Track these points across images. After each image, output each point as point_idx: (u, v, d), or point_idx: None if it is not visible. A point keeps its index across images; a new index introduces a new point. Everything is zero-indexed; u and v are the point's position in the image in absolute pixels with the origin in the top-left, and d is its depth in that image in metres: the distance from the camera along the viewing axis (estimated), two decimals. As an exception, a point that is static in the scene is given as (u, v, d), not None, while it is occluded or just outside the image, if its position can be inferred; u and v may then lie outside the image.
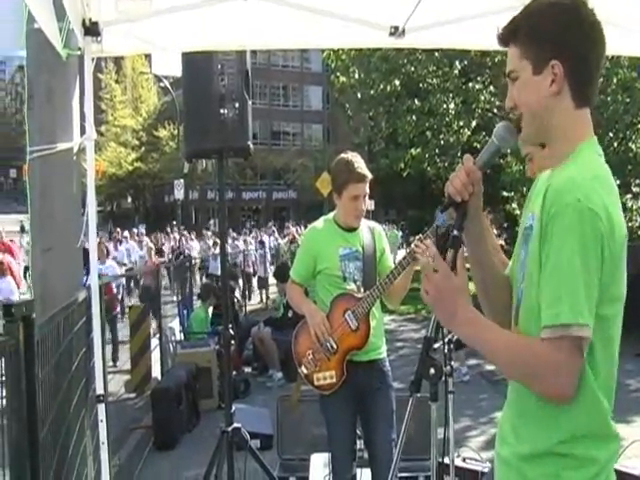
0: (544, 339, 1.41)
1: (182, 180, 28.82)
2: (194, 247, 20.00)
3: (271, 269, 18.38)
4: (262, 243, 19.83)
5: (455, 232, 1.59)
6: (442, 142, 14.70)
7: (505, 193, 13.85)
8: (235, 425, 3.77)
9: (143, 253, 16.50)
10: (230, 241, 21.20)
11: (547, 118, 1.54)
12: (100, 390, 3.16)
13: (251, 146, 3.83)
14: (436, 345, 1.92)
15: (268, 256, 18.73)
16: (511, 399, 1.60)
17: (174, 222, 29.00)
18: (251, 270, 17.67)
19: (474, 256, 1.70)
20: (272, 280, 17.27)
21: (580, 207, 1.38)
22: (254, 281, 17.68)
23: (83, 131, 3.36)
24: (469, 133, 14.75)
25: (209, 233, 23.72)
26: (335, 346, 3.42)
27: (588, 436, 1.45)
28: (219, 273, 14.82)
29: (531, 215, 1.58)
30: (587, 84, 1.56)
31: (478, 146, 14.32)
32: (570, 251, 1.39)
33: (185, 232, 25.14)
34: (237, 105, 3.70)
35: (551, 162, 1.59)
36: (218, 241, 17.60)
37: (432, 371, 1.64)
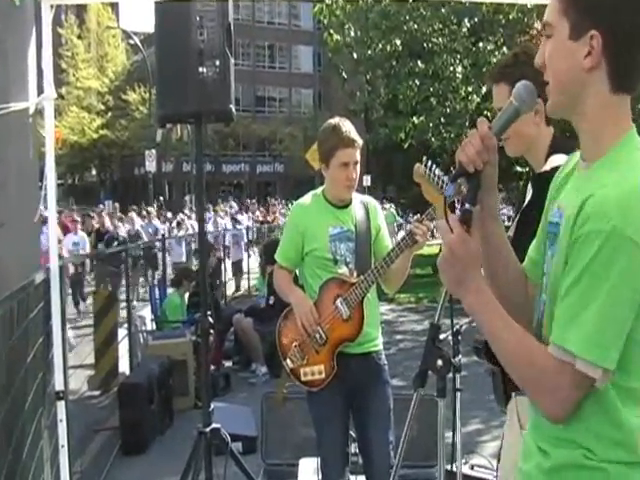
0: (551, 353, 1.43)
1: (154, 150, 28.72)
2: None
3: (254, 252, 18.34)
4: (236, 221, 19.47)
5: (467, 205, 1.57)
6: (448, 110, 14.66)
7: (519, 168, 13.85)
8: (214, 426, 3.77)
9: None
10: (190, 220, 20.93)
11: (577, 94, 1.50)
12: (60, 386, 3.14)
13: (234, 110, 3.79)
14: (442, 336, 1.90)
15: (244, 237, 18.24)
16: (534, 408, 1.59)
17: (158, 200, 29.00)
18: (221, 254, 16.66)
19: (485, 235, 1.68)
20: (251, 265, 17.29)
21: (615, 237, 1.36)
22: (226, 266, 16.53)
23: (41, 91, 3.30)
24: (479, 100, 14.69)
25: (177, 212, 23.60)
26: (324, 337, 3.42)
27: (620, 461, 1.44)
28: (185, 259, 14.83)
29: (557, 211, 1.58)
30: (631, 67, 1.48)
31: (489, 115, 14.28)
32: (594, 280, 1.38)
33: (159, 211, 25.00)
34: (218, 63, 3.66)
35: (581, 150, 1.57)
36: (182, 220, 17.26)
37: (440, 363, 1.61)
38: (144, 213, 19.36)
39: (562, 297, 1.43)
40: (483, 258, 1.62)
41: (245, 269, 17.16)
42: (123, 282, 8.80)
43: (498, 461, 2.70)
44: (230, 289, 16.04)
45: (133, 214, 18.30)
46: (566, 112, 1.56)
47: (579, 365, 1.38)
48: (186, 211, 25.55)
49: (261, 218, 22.90)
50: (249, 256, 17.93)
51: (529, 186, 2.57)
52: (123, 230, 16.49)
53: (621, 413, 1.43)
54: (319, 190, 3.64)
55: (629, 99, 1.52)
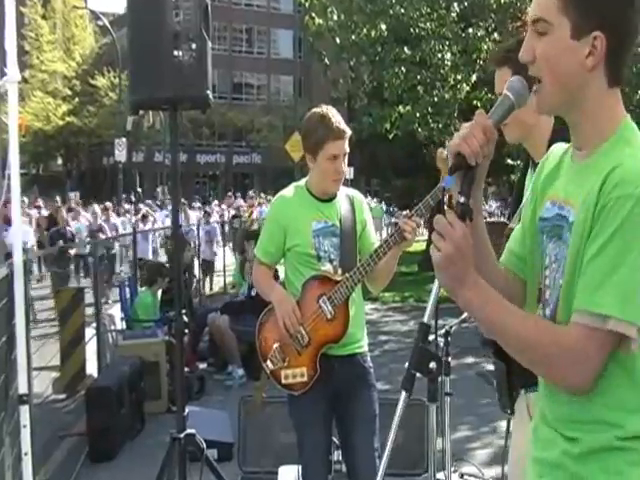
0: (575, 323, 1.48)
1: (124, 139, 28.54)
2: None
3: (227, 248, 18.20)
4: (208, 214, 19.02)
5: (462, 199, 1.60)
6: (436, 99, 14.69)
7: (510, 161, 13.95)
8: (188, 431, 3.76)
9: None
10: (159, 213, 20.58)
11: (577, 92, 1.58)
12: (23, 389, 3.11)
13: (211, 96, 3.77)
14: (430, 337, 1.90)
15: (217, 233, 17.62)
16: (550, 395, 1.64)
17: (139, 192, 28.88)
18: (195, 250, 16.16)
19: (472, 229, 1.70)
20: (221, 264, 17.14)
21: None
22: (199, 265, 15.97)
23: (3, 73, 3.26)
24: (468, 89, 14.76)
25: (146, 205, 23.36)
26: (307, 338, 3.41)
27: None
28: (151, 257, 14.64)
29: (552, 206, 1.65)
30: (624, 63, 1.60)
31: (479, 104, 14.34)
32: (629, 239, 1.45)
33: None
34: (194, 46, 3.65)
35: (578, 142, 1.64)
36: (147, 213, 16.98)
37: (432, 365, 1.61)
38: (108, 207, 18.71)
39: (589, 262, 1.48)
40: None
41: (219, 267, 17.01)
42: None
43: (503, 465, 2.73)
44: (205, 287, 15.97)
45: (96, 207, 17.77)
46: (562, 109, 1.64)
47: (613, 325, 1.44)
48: (149, 202, 25.37)
49: (233, 212, 22.58)
50: (224, 253, 17.79)
51: (531, 172, 2.61)
52: (83, 222, 16.30)
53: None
54: (302, 182, 3.63)
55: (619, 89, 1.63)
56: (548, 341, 1.50)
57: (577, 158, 1.65)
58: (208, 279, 16.24)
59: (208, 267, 15.95)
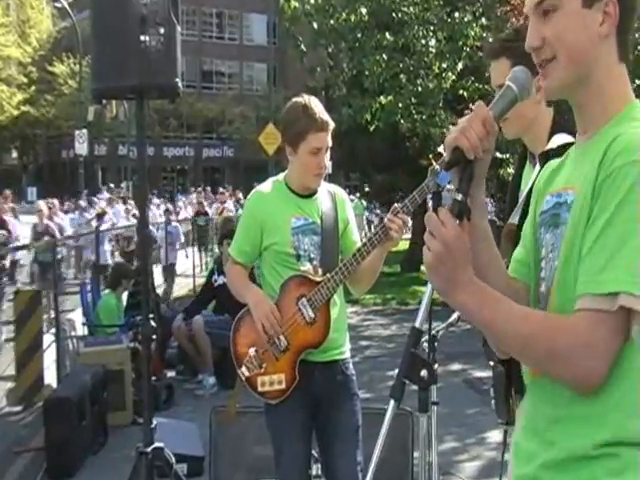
0: (580, 310, 1.47)
1: (85, 130, 28.36)
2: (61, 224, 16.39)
3: (188, 252, 17.98)
4: (169, 212, 18.64)
5: (459, 197, 1.60)
6: (420, 88, 14.72)
7: (499, 155, 13.99)
8: (156, 445, 3.75)
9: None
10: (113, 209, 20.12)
11: (588, 67, 1.60)
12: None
13: (180, 85, 3.77)
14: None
15: (180, 233, 16.95)
16: (534, 402, 1.64)
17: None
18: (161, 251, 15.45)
19: (472, 232, 1.70)
20: (183, 267, 17.00)
21: None
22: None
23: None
24: (454, 77, 14.79)
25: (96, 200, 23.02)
26: (285, 342, 3.41)
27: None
28: (109, 261, 14.35)
29: (552, 197, 1.67)
30: (630, 32, 1.64)
31: (465, 94, 14.40)
32: (634, 211, 1.43)
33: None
34: (162, 31, 3.65)
35: (583, 125, 1.66)
36: (103, 212, 16.44)
37: (424, 373, 1.61)
38: (52, 205, 17.95)
39: (594, 242, 1.47)
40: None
41: (181, 270, 16.86)
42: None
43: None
44: (180, 287, 15.86)
45: (41, 203, 16.81)
46: (573, 89, 1.64)
47: (623, 300, 1.42)
48: (102, 196, 25.01)
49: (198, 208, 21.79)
50: (193, 253, 17.67)
51: (530, 169, 2.63)
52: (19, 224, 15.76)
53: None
54: (281, 176, 3.63)
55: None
56: (552, 333, 1.49)
57: (580, 143, 1.68)
58: (166, 286, 15.31)
59: (169, 271, 15.34)
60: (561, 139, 2.35)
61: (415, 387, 1.69)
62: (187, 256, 18.01)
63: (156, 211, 21.70)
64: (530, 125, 2.61)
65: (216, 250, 13.17)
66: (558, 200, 1.65)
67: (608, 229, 1.46)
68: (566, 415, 1.55)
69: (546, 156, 1.86)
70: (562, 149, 1.75)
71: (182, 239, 17.42)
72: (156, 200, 27.50)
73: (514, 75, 1.70)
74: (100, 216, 17.53)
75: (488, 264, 1.74)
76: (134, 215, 18.30)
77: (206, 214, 19.86)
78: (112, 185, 34.31)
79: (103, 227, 15.83)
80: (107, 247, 14.93)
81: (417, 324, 1.64)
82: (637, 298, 1.42)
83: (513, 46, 2.48)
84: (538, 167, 2.51)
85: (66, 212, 19.78)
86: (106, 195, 25.92)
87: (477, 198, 1.69)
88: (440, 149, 3.02)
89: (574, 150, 1.71)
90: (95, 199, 22.38)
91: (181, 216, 21.00)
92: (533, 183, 2.48)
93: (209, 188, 34.71)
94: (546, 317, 1.56)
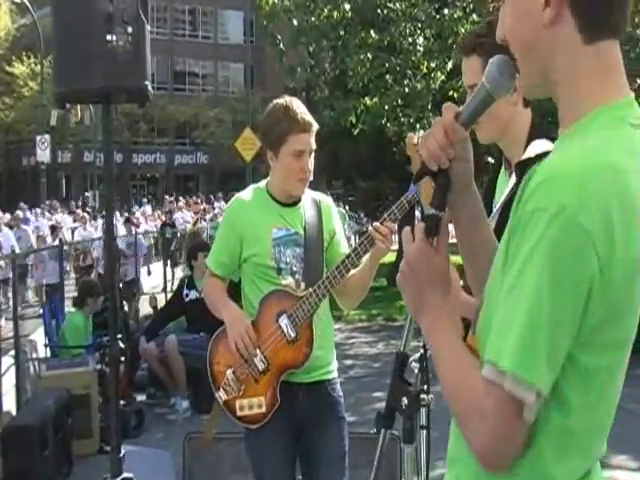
0: (482, 376, 1.36)
1: (47, 135, 28.29)
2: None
3: (152, 267, 17.75)
4: (131, 223, 17.66)
5: (432, 210, 1.57)
6: (407, 89, 14.80)
7: (491, 159, 14.07)
8: (125, 475, 3.74)
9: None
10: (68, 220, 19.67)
11: (543, 58, 1.45)
12: None
13: (150, 87, 3.77)
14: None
15: (144, 246, 16.77)
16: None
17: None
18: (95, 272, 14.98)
19: (465, 243, 1.70)
20: (151, 283, 16.87)
21: (564, 219, 1.28)
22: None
23: None
24: (443, 78, 14.89)
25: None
26: (265, 363, 3.41)
27: None
28: (58, 279, 13.96)
29: None
30: (601, 7, 1.42)
31: (455, 95, 14.48)
32: (537, 274, 1.30)
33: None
34: (130, 29, 3.67)
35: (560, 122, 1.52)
36: (59, 225, 15.95)
37: (405, 401, 1.60)
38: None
39: (503, 298, 1.35)
40: (468, 264, 1.65)
41: (147, 288, 16.77)
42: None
43: None
44: (144, 308, 15.70)
45: None
46: (540, 86, 1.52)
47: (507, 384, 1.31)
48: (52, 209, 24.59)
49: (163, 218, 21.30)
50: (164, 268, 17.53)
51: (505, 176, 2.61)
52: None
53: (549, 468, 1.39)
54: (262, 183, 3.63)
55: (613, 46, 1.44)
56: (461, 389, 1.42)
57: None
58: (128, 305, 15.28)
59: (130, 288, 14.81)
60: (540, 146, 2.31)
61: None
62: (150, 272, 17.86)
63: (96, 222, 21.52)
64: (506, 128, 2.54)
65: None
66: None
67: (511, 292, 1.33)
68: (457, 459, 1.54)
69: (523, 166, 1.78)
70: (540, 159, 1.52)
71: (145, 250, 17.38)
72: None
73: (487, 69, 1.58)
74: (54, 229, 17.24)
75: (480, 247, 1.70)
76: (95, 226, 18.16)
77: (173, 225, 19.59)
78: (87, 195, 34.18)
79: (57, 241, 15.45)
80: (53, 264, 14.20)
81: (402, 348, 1.64)
82: (519, 382, 1.30)
83: (484, 42, 2.42)
84: (514, 177, 2.49)
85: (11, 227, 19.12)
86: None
87: (460, 208, 1.65)
88: (410, 135, 3.00)
89: None
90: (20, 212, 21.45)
91: (141, 228, 20.45)
92: (514, 193, 2.45)
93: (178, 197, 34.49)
94: (470, 372, 1.42)
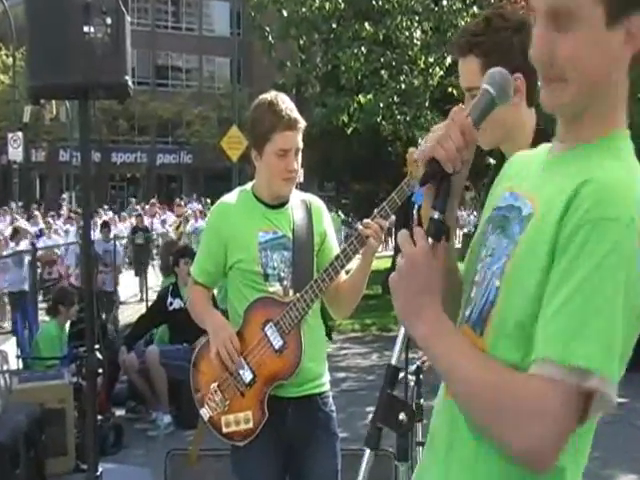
0: (537, 375, 1.45)
1: (20, 133, 28.19)
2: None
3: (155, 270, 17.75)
4: (107, 228, 17.00)
5: (436, 215, 1.62)
6: (403, 85, 14.81)
7: (493, 161, 14.09)
8: (103, 494, 3.71)
9: None
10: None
11: (602, 91, 1.57)
12: None
13: (130, 83, 3.77)
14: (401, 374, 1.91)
15: (120, 253, 16.61)
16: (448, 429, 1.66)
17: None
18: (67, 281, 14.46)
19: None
20: (128, 292, 16.79)
21: (634, 230, 1.44)
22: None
23: None
24: (442, 73, 14.91)
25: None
26: (251, 375, 3.41)
27: None
28: (27, 287, 13.60)
29: (510, 195, 1.68)
30: None
31: (455, 92, 14.50)
32: (612, 278, 1.43)
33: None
34: (109, 21, 3.66)
35: (564, 132, 1.64)
36: (19, 229, 15.61)
37: (402, 417, 1.61)
38: None
39: (565, 300, 1.45)
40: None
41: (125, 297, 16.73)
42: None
43: None
44: (125, 316, 15.64)
45: None
46: (574, 110, 1.60)
47: (597, 383, 1.41)
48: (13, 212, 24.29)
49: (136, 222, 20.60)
50: (146, 275, 17.47)
51: None
52: None
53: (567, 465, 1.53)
54: (248, 185, 3.64)
55: None
56: (505, 389, 1.48)
57: (555, 149, 1.68)
58: (115, 311, 14.90)
59: (109, 296, 14.67)
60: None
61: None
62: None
63: (71, 227, 21.36)
64: (509, 132, 2.55)
65: (160, 275, 13.02)
66: (513, 203, 1.66)
67: (583, 291, 1.43)
68: (470, 465, 1.59)
69: None
70: None
71: (126, 258, 17.47)
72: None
73: (492, 77, 1.70)
74: (16, 232, 16.46)
75: (455, 279, 1.78)
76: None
77: (146, 230, 19.28)
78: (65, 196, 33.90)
79: (22, 246, 15.14)
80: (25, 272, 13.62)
81: (393, 361, 1.64)
82: (606, 381, 1.42)
83: (482, 41, 2.43)
84: None
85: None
86: None
87: (449, 217, 1.70)
88: (411, 150, 3.01)
89: (546, 155, 1.70)
90: None
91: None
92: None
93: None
94: (503, 369, 1.53)
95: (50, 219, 21.68)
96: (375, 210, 3.36)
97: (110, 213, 26.67)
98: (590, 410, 1.45)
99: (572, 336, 1.42)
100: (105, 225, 17.14)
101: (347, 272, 3.59)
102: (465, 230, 28.99)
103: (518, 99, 2.49)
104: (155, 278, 17.21)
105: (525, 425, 1.43)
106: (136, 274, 18.13)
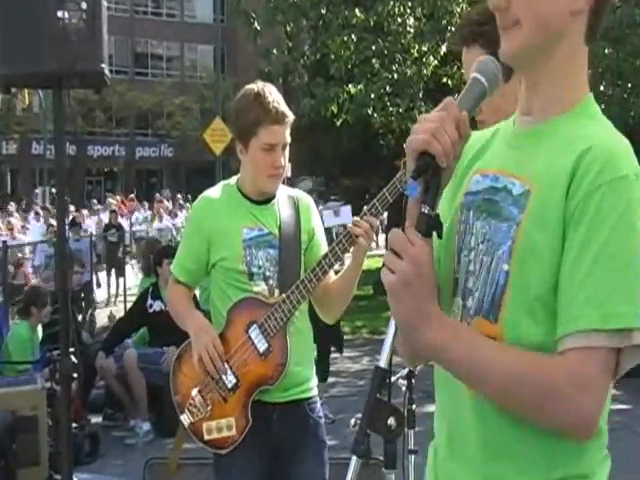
0: (573, 348, 1.53)
1: (-9, 125, 28.07)
2: None
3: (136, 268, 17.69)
4: (77, 225, 17.32)
5: (427, 209, 1.62)
6: (396, 75, 14.82)
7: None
8: (77, 506, 3.70)
9: None
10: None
11: (553, 41, 1.68)
12: None
13: (106, 71, 3.76)
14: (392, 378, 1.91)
15: (88, 252, 15.97)
16: (479, 422, 1.68)
17: None
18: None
19: None
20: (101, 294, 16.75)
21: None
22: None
23: None
24: (436, 63, 14.94)
25: None
26: (234, 380, 3.41)
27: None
28: None
29: (482, 178, 1.75)
30: (603, 18, 1.74)
31: (450, 82, 14.53)
32: (632, 235, 1.53)
33: None
34: (85, 6, 3.65)
35: (530, 105, 1.74)
36: None
37: (391, 421, 1.61)
38: None
39: (588, 269, 1.53)
40: None
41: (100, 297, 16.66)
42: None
43: None
44: (102, 319, 15.60)
45: None
46: (530, 62, 1.71)
47: (638, 339, 1.50)
48: None
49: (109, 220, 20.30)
50: (98, 285, 17.33)
51: None
52: None
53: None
54: (233, 180, 3.64)
55: None
56: (547, 372, 1.54)
57: (523, 124, 1.76)
58: (91, 312, 15.12)
59: (85, 296, 14.81)
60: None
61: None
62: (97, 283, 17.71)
63: (35, 223, 21.28)
64: None
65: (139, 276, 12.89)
66: (494, 185, 1.71)
67: (606, 254, 1.53)
68: (517, 448, 1.63)
69: None
70: None
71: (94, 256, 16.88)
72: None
73: (482, 65, 1.73)
74: None
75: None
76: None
77: (119, 227, 19.05)
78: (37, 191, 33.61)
79: None
80: None
81: (382, 363, 1.64)
82: None
83: (487, 30, 2.41)
84: None
85: None
86: None
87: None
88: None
89: (511, 130, 1.79)
90: None
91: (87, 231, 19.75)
92: None
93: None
94: (528, 354, 1.59)
95: (13, 219, 21.40)
96: (365, 207, 3.37)
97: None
98: (623, 363, 1.54)
99: (605, 301, 1.51)
100: (74, 222, 17.13)
101: (336, 272, 3.60)
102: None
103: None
104: (133, 278, 17.17)
105: (573, 400, 1.51)
106: (108, 274, 17.91)
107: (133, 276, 17.71)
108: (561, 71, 1.70)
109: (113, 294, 17.99)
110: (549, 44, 1.68)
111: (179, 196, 30.24)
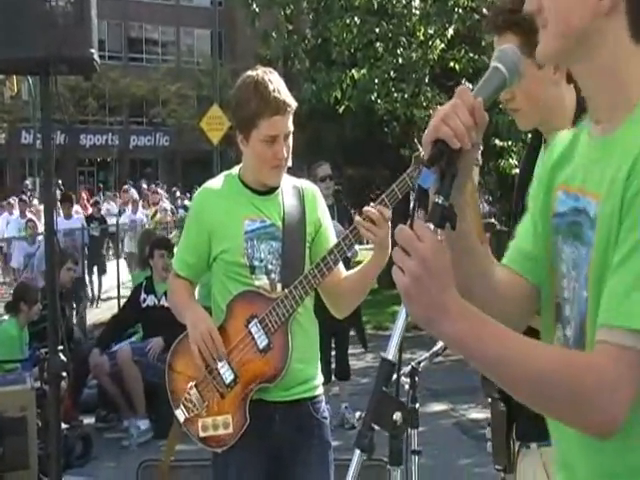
0: (602, 343, 1.54)
1: (-22, 114, 28.08)
2: None
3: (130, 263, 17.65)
4: (69, 203, 16.80)
5: (440, 200, 1.62)
6: (400, 59, 14.80)
7: (499, 142, 14.09)
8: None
9: None
10: None
11: (589, 42, 1.67)
12: None
13: (97, 57, 3.76)
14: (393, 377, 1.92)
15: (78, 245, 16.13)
16: (581, 447, 1.69)
17: None
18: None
19: (455, 240, 1.77)
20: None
21: None
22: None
23: None
24: (443, 46, 14.90)
25: None
26: (232, 375, 3.42)
27: None
28: None
29: (567, 197, 1.74)
30: None
31: (457, 67, 14.50)
32: None
33: None
34: (73, -11, 3.63)
35: (595, 113, 1.73)
36: None
37: (397, 416, 1.61)
38: None
39: (619, 265, 1.54)
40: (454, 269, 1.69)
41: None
42: None
43: None
44: (93, 315, 15.60)
45: None
46: (569, 60, 1.74)
47: None
48: None
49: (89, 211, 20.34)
50: (91, 281, 17.34)
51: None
52: None
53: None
54: (234, 170, 3.64)
55: None
56: (577, 371, 1.55)
57: (595, 133, 1.74)
58: (82, 308, 15.09)
59: (76, 291, 14.38)
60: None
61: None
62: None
63: (9, 216, 21.31)
64: (549, 112, 2.61)
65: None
66: (576, 205, 1.71)
67: (637, 252, 1.53)
68: (618, 465, 1.63)
69: None
70: None
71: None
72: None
73: (502, 54, 1.74)
74: None
75: (472, 278, 1.81)
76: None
77: (102, 220, 18.85)
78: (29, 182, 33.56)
79: None
80: None
81: (390, 355, 1.65)
82: None
83: (522, 19, 2.40)
84: None
85: None
86: None
87: (457, 203, 1.71)
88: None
89: (588, 140, 1.76)
90: None
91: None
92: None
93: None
94: (560, 351, 1.64)
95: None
96: (372, 204, 3.34)
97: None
98: None
99: (636, 300, 1.51)
100: (65, 198, 16.84)
101: (358, 263, 3.60)
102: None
103: (559, 76, 2.55)
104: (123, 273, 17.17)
105: (602, 402, 1.53)
106: (89, 272, 17.73)
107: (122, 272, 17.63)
108: (611, 77, 1.68)
109: (96, 296, 17.89)
110: (582, 48, 1.68)
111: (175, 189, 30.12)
